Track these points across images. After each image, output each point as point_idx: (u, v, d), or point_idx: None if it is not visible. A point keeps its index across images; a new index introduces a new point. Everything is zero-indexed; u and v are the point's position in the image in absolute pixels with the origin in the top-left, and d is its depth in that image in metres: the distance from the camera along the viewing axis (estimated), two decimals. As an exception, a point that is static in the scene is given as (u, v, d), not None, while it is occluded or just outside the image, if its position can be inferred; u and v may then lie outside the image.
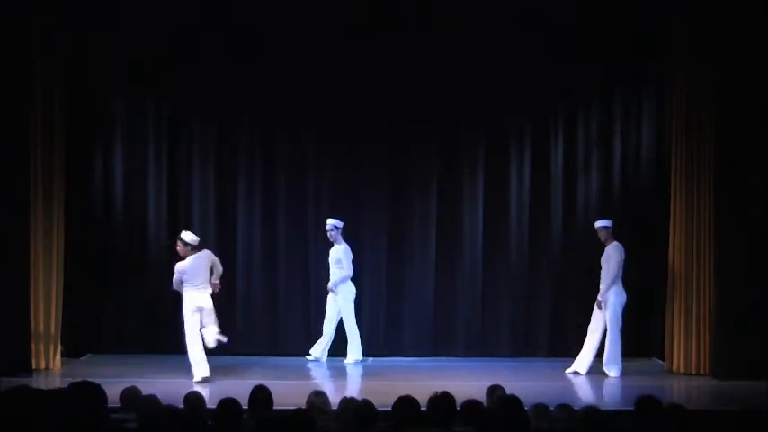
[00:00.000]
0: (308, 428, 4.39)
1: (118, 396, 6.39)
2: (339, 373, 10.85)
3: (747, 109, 10.22)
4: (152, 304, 11.52)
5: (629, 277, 10.76)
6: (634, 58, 11.55)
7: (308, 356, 11.36)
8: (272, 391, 5.97)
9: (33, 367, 10.24)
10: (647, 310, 11.52)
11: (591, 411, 5.31)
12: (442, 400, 5.27)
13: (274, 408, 5.90)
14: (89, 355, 11.46)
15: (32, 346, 10.26)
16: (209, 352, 9.93)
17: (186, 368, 9.90)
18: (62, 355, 10.84)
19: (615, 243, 10.61)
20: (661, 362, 11.15)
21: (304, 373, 10.76)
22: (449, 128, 11.83)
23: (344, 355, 11.31)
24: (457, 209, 11.91)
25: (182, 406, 5.93)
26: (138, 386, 6.66)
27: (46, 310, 10.53)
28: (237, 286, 11.74)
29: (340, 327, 11.38)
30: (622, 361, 10.59)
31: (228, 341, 10.14)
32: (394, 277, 11.89)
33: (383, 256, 11.89)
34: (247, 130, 11.90)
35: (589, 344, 10.63)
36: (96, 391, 5.01)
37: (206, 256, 10.03)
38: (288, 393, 7.09)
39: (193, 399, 6.24)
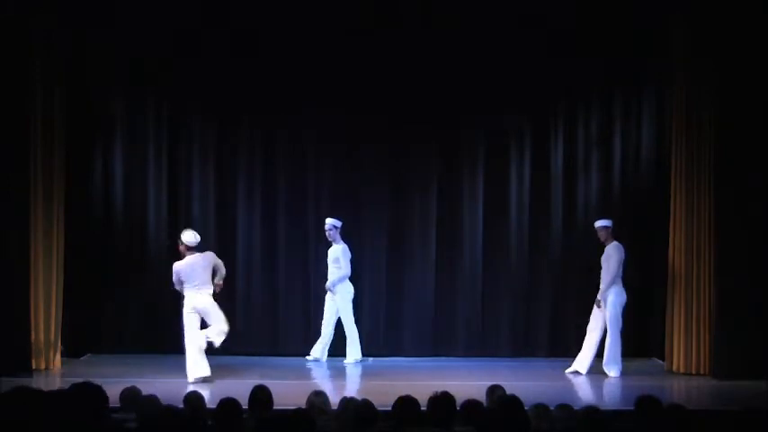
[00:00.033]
0: (308, 428, 4.39)
1: (118, 396, 6.38)
2: (339, 373, 10.85)
3: (747, 109, 10.22)
4: (152, 304, 11.52)
5: (629, 277, 10.76)
6: (634, 58, 11.55)
7: (307, 358, 11.36)
8: (272, 391, 5.96)
9: (33, 367, 10.22)
10: (647, 310, 11.52)
11: (591, 411, 5.30)
12: (442, 400, 5.27)
13: (274, 408, 5.89)
14: (89, 355, 11.46)
15: (32, 346, 10.24)
16: (210, 352, 9.91)
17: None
18: (62, 355, 10.84)
19: (615, 243, 10.61)
20: (661, 362, 11.15)
21: (304, 373, 10.76)
22: (449, 128, 11.83)
23: (344, 355, 11.31)
24: (457, 209, 11.91)
25: (182, 406, 5.93)
26: (138, 386, 6.65)
27: (46, 310, 10.52)
28: (237, 286, 11.72)
29: (339, 326, 11.38)
30: (622, 361, 10.59)
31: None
32: (394, 277, 11.89)
33: (383, 256, 11.89)
34: (247, 130, 11.91)
35: (588, 343, 10.64)
36: (97, 393, 5.00)
37: (206, 258, 9.99)
38: (288, 393, 7.08)
39: (193, 399, 6.23)
